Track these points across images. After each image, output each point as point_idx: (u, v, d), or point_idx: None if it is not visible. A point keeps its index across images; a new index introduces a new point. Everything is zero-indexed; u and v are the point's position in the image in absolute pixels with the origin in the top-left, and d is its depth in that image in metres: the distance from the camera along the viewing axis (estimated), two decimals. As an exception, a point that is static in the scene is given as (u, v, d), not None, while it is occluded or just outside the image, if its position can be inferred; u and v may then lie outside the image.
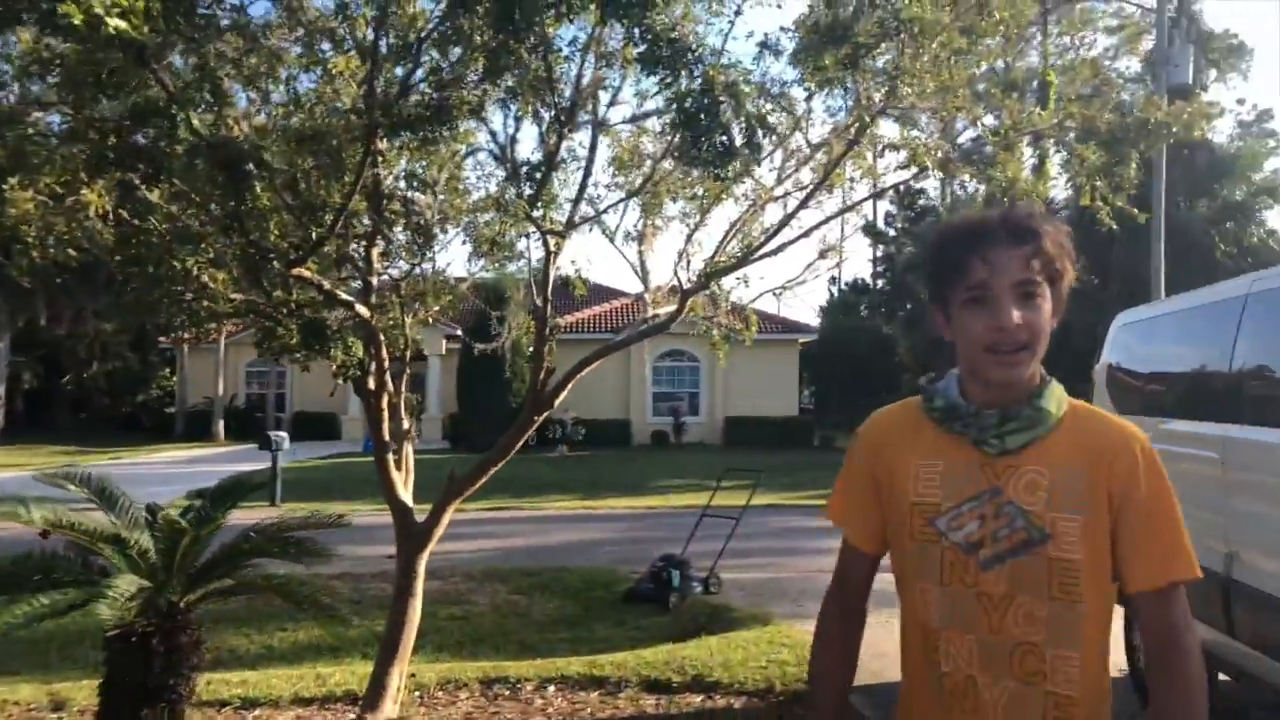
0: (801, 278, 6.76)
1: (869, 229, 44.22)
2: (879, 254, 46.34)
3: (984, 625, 1.71)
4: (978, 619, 1.72)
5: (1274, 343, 4.62)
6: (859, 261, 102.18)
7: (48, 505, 3.68)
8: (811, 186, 5.51)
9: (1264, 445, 4.47)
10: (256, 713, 5.55)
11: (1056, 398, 1.75)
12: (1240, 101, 46.67)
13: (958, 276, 1.69)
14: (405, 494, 5.63)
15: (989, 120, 5.89)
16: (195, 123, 3.34)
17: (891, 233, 42.75)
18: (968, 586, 1.72)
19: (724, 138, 3.41)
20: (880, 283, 46.53)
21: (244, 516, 4.16)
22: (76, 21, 2.63)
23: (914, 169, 5.16)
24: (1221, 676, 5.06)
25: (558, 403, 5.49)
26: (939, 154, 5.06)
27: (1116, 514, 1.67)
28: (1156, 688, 1.67)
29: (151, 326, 7.13)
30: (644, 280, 6.39)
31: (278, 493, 15.99)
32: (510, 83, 4.19)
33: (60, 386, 36.83)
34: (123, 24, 2.69)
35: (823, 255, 6.91)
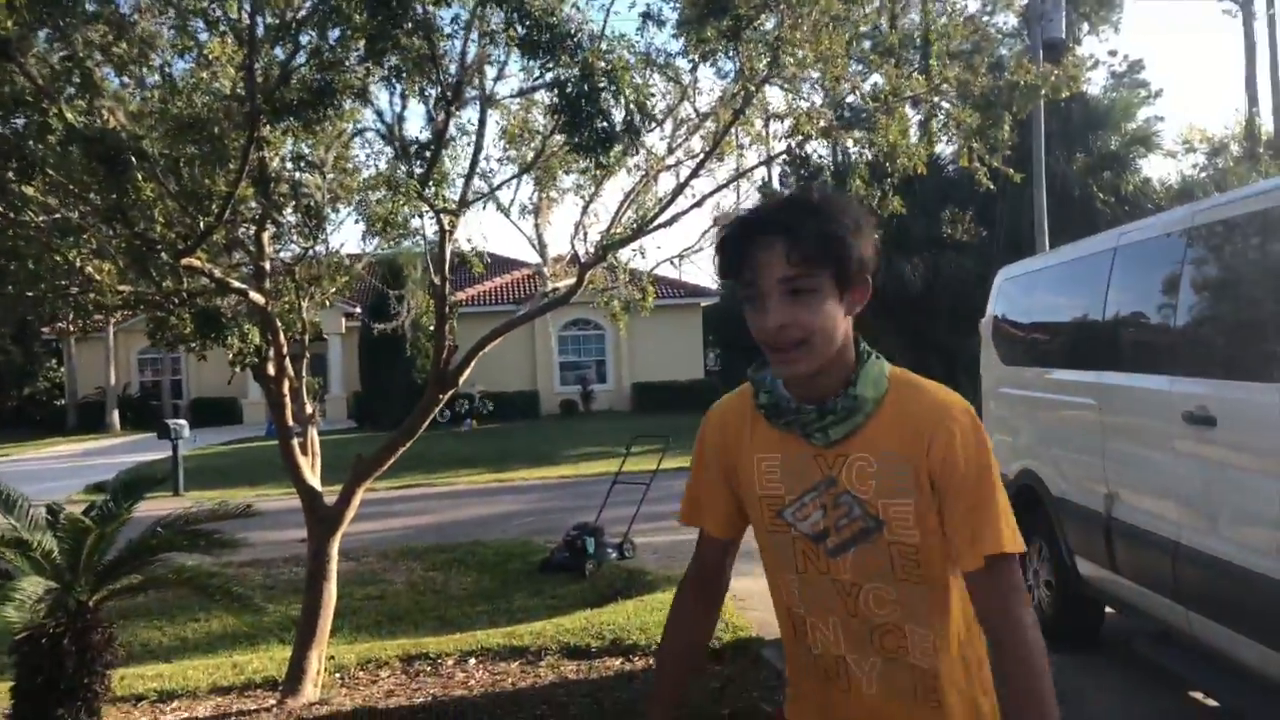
0: (698, 246, 6.88)
1: (764, 192, 44.71)
2: (777, 213, 46.89)
3: (843, 609, 1.75)
4: (836, 603, 1.75)
5: (1141, 293, 4.91)
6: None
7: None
8: (703, 155, 5.62)
9: (1135, 390, 4.76)
10: (175, 705, 5.50)
11: (873, 380, 1.69)
12: (1113, 53, 48.34)
13: (733, 275, 1.68)
14: (313, 478, 5.62)
15: (871, 84, 6.08)
16: (69, 115, 3.27)
17: (786, 194, 43.27)
18: (822, 574, 1.74)
19: (604, 124, 3.47)
20: (780, 241, 47.13)
21: (149, 508, 4.12)
22: (-65, 17, 2.56)
23: (799, 136, 5.31)
24: (1109, 610, 5.40)
25: (462, 379, 5.53)
26: (821, 122, 5.21)
27: (940, 495, 1.65)
28: (1000, 666, 1.65)
29: (34, 318, 6.93)
30: (542, 253, 6.44)
31: (180, 482, 15.62)
32: (394, 62, 4.17)
33: (-62, 385, 35.07)
34: (-14, 19, 2.63)
35: (716, 222, 7.04)
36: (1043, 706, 1.60)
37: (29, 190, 4.13)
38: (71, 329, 28.24)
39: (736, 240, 1.67)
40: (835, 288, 1.62)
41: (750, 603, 7.22)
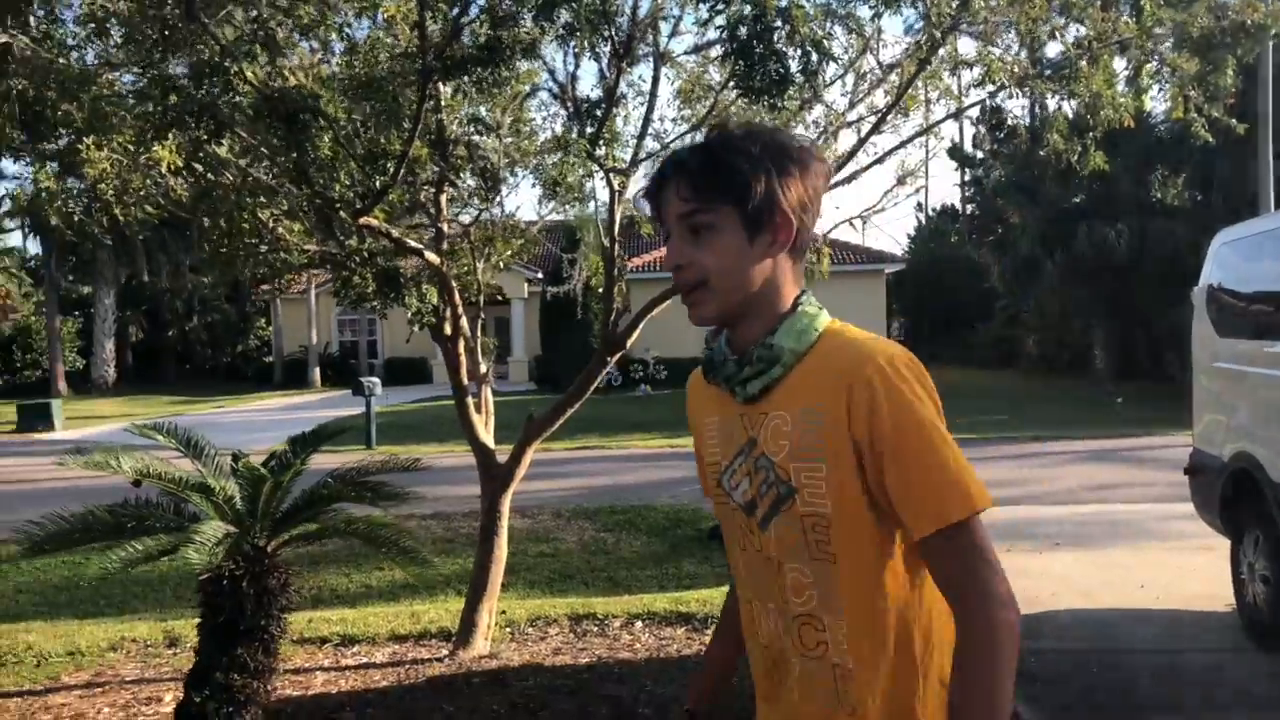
0: (880, 205, 6.63)
1: (954, 152, 42.88)
2: (967, 178, 44.97)
3: (777, 594, 1.55)
4: (771, 588, 1.55)
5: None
6: (946, 186, 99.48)
7: (140, 455, 3.83)
8: (883, 110, 5.33)
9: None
10: (355, 649, 5.75)
11: (797, 330, 1.51)
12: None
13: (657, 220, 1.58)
14: (486, 436, 5.72)
15: (1074, 30, 5.60)
16: (250, 75, 3.37)
17: (979, 155, 41.39)
18: (758, 550, 1.56)
19: (778, 66, 3.29)
20: (970, 208, 45.24)
21: (340, 460, 4.28)
22: (126, -22, 2.67)
23: (990, 86, 4.94)
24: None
25: (630, 342, 5.48)
26: (1016, 69, 4.82)
27: (872, 459, 1.42)
28: (958, 642, 1.41)
29: (244, 278, 7.36)
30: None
31: (373, 436, 16.44)
32: (566, 18, 4.11)
33: (165, 339, 38.28)
34: (171, -21, 2.72)
35: (901, 181, 6.71)
36: (989, 704, 1.34)
37: (223, 151, 4.31)
38: (276, 289, 30.11)
39: (654, 181, 1.56)
40: (741, 226, 1.48)
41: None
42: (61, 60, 4.34)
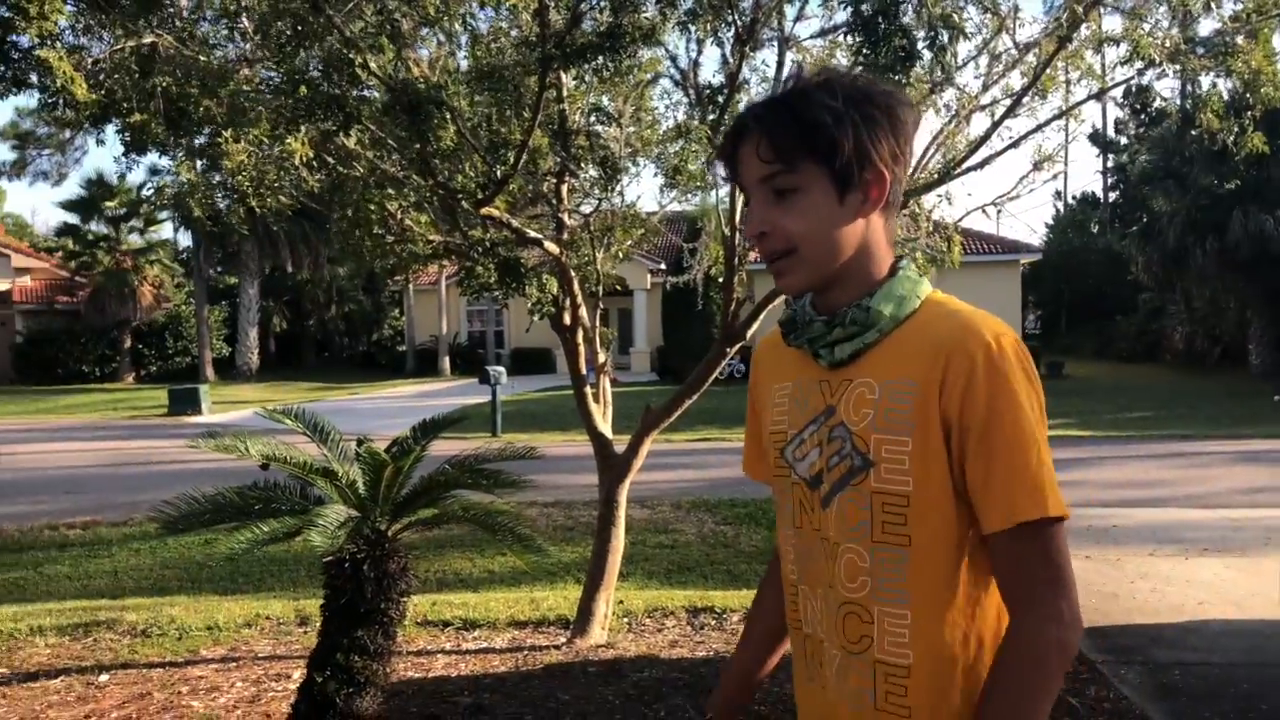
0: (1014, 192, 6.29)
1: (1095, 137, 41.07)
2: (1109, 164, 43.00)
3: (827, 577, 1.43)
4: (823, 570, 1.44)
5: None
6: (1086, 174, 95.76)
7: (271, 439, 3.95)
8: (1019, 92, 5.08)
9: None
10: (476, 633, 5.84)
11: (897, 296, 1.40)
12: None
13: (735, 181, 1.47)
14: (604, 425, 5.72)
15: (1231, 5, 5.23)
16: (373, 66, 3.42)
17: (1122, 140, 39.54)
18: (815, 530, 1.44)
19: (904, 41, 3.14)
20: (1112, 195, 43.26)
21: (465, 447, 4.34)
22: (255, -27, 2.73)
23: (1138, 64, 4.65)
24: None
25: (751, 333, 5.39)
26: (1167, 44, 4.52)
27: (958, 438, 1.32)
28: (1000, 651, 1.32)
29: (374, 269, 7.59)
30: (840, 203, 6.12)
31: (498, 424, 16.77)
32: (689, 3, 4.05)
33: (305, 328, 39.91)
34: (297, -28, 2.77)
35: (1038, 167, 6.39)
36: None
37: (351, 143, 4.40)
38: (406, 280, 31.02)
39: (729, 141, 1.43)
40: (830, 185, 1.35)
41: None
42: (203, 58, 4.51)
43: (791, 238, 1.37)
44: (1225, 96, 5.83)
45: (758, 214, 1.39)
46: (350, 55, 3.32)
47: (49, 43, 4.03)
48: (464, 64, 4.92)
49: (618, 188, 5.73)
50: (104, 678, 4.97)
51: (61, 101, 4.01)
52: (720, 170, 1.38)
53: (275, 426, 4.30)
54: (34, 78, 4.29)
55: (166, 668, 5.14)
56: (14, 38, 4.33)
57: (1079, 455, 13.71)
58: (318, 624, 4.77)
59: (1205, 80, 5.66)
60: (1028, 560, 1.29)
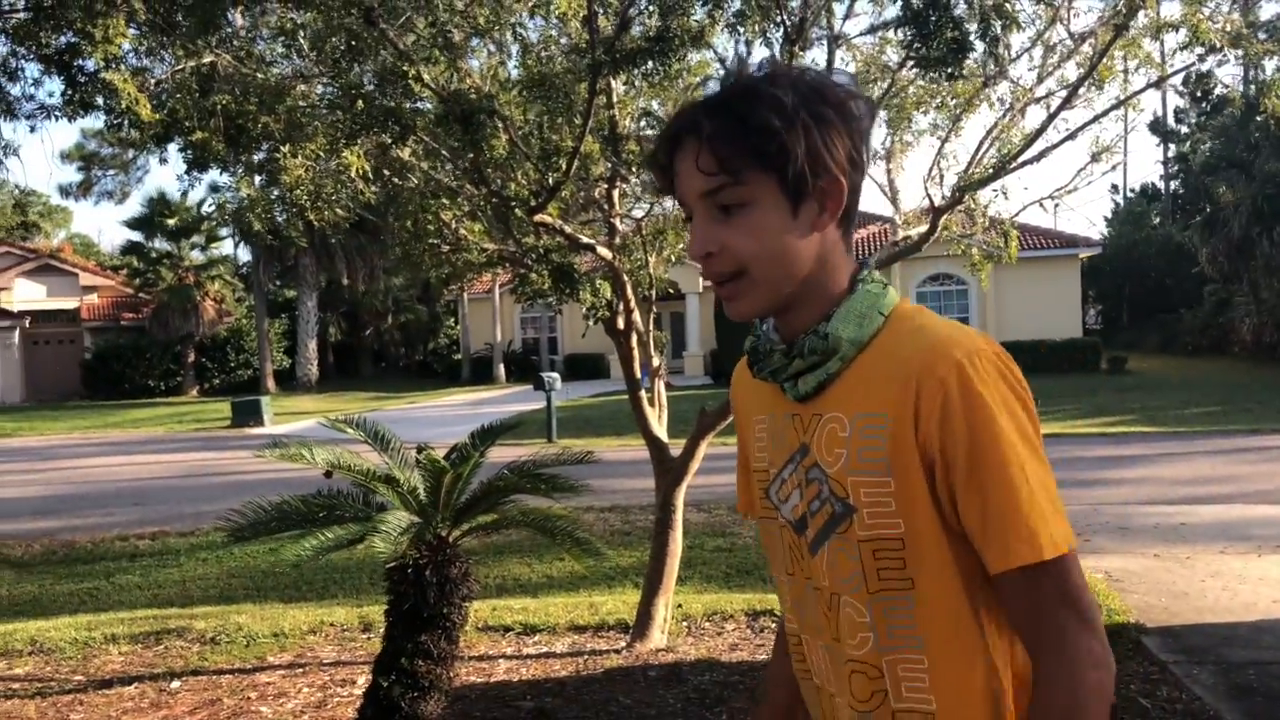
0: (1072, 185, 6.19)
1: (1155, 127, 40.20)
2: (1169, 154, 42.08)
3: (827, 630, 1.29)
4: (823, 622, 1.29)
5: None
6: (1146, 165, 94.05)
7: (333, 448, 4.02)
8: (1075, 83, 5.00)
9: None
10: (536, 638, 5.88)
11: (856, 315, 1.24)
12: None
13: (669, 193, 1.28)
14: (660, 429, 5.72)
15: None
16: (427, 78, 3.47)
17: (1183, 130, 38.67)
18: (807, 578, 1.30)
19: (955, 33, 3.10)
20: (1173, 185, 42.33)
21: (521, 453, 4.38)
22: (310, -10, 2.79)
23: (1198, 50, 4.55)
24: None
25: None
26: (1228, 29, 4.42)
27: (943, 476, 1.17)
28: (1033, 700, 1.19)
29: (430, 278, 7.68)
30: (894, 201, 6.09)
31: (553, 430, 16.85)
32: (737, 5, 4.05)
33: (362, 339, 40.50)
34: (350, -12, 2.83)
35: (1095, 159, 6.29)
36: None
37: (406, 155, 4.46)
38: (461, 289, 31.37)
39: (663, 149, 1.25)
40: (782, 197, 1.19)
41: (1129, 583, 6.53)
42: (260, 75, 4.61)
43: (741, 259, 1.21)
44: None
45: (701, 232, 1.22)
46: (404, 68, 3.37)
47: (114, 65, 4.14)
48: (514, 73, 4.97)
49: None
50: (175, 684, 5.08)
51: (127, 122, 4.12)
52: (652, 187, 1.22)
53: (336, 436, 4.37)
54: (100, 100, 4.41)
55: (235, 674, 5.24)
56: (80, 62, 4.47)
57: (1144, 452, 13.41)
58: (381, 630, 4.83)
59: (1269, 65, 5.52)
60: (1042, 601, 1.15)
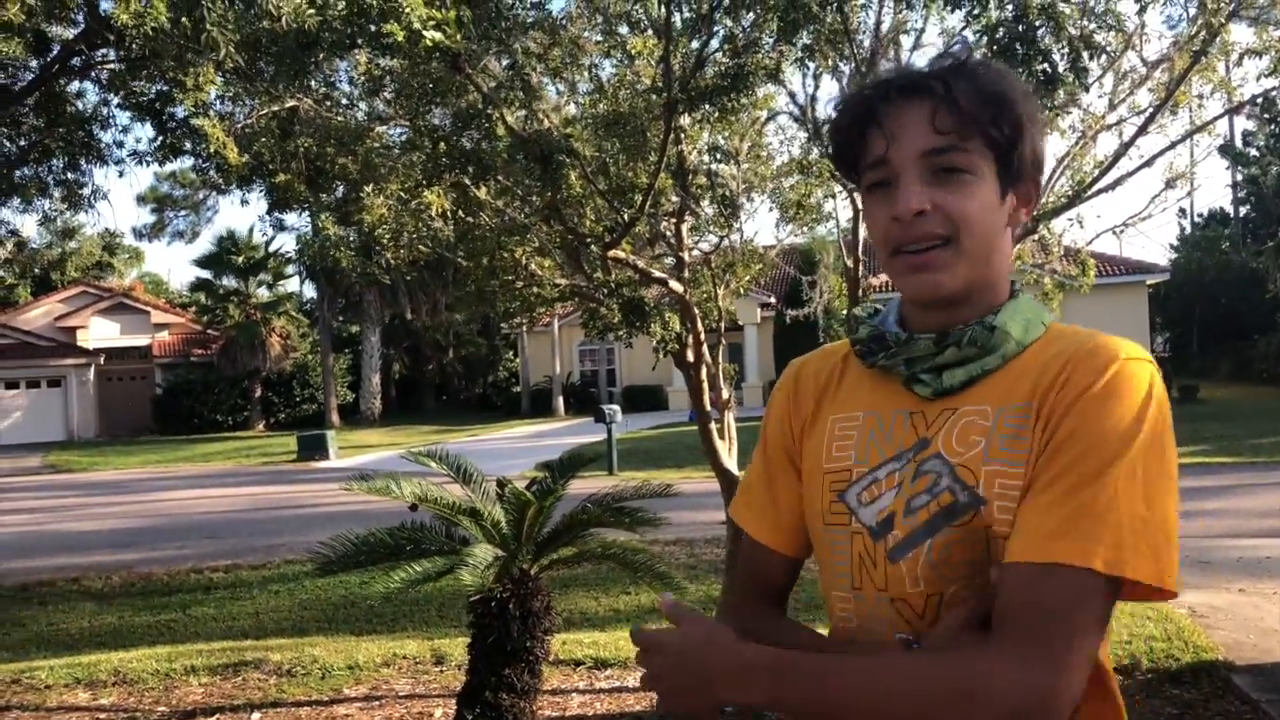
0: (1146, 212, 6.12)
1: (1226, 150, 39.40)
2: (1239, 178, 41.20)
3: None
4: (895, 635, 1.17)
5: None
6: (1214, 190, 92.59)
7: (415, 481, 4.08)
8: (1151, 109, 4.95)
9: None
10: (608, 672, 5.87)
11: (1023, 317, 1.18)
12: None
13: (855, 155, 1.21)
14: (730, 461, 5.72)
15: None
16: (509, 120, 3.55)
17: (1253, 153, 37.87)
18: (879, 591, 1.17)
19: (1044, 66, 3.09)
20: (1244, 210, 41.41)
21: (586, 486, 4.41)
22: (399, 38, 2.88)
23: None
24: None
25: (824, 348, 5.35)
26: (1309, 52, 4.35)
27: (1042, 442, 1.09)
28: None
29: (493, 315, 7.78)
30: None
31: (614, 462, 16.88)
32: (806, 40, 4.09)
33: (424, 373, 41.02)
34: (438, 35, 2.91)
35: (1170, 185, 6.21)
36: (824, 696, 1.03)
37: (482, 194, 4.56)
38: (523, 323, 31.76)
39: (868, 102, 1.18)
40: (995, 178, 1.15)
41: (1214, 619, 6.34)
42: (339, 118, 4.74)
43: (957, 222, 1.14)
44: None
45: (916, 190, 1.15)
46: (488, 110, 3.46)
47: (203, 112, 4.29)
48: (581, 110, 5.06)
49: (736, 224, 5.78)
50: (255, 716, 5.16)
51: (215, 165, 4.26)
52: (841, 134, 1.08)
53: (407, 468, 4.43)
54: (188, 144, 4.58)
55: (313, 705, 5.30)
56: (170, 109, 4.64)
57: (1221, 483, 13.04)
58: (454, 663, 4.87)
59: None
60: (1048, 598, 1.02)
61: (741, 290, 6.32)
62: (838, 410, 1.28)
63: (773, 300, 28.22)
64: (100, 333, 37.49)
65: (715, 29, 4.08)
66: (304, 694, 5.57)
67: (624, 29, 4.61)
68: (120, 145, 5.54)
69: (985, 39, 3.23)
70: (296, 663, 6.20)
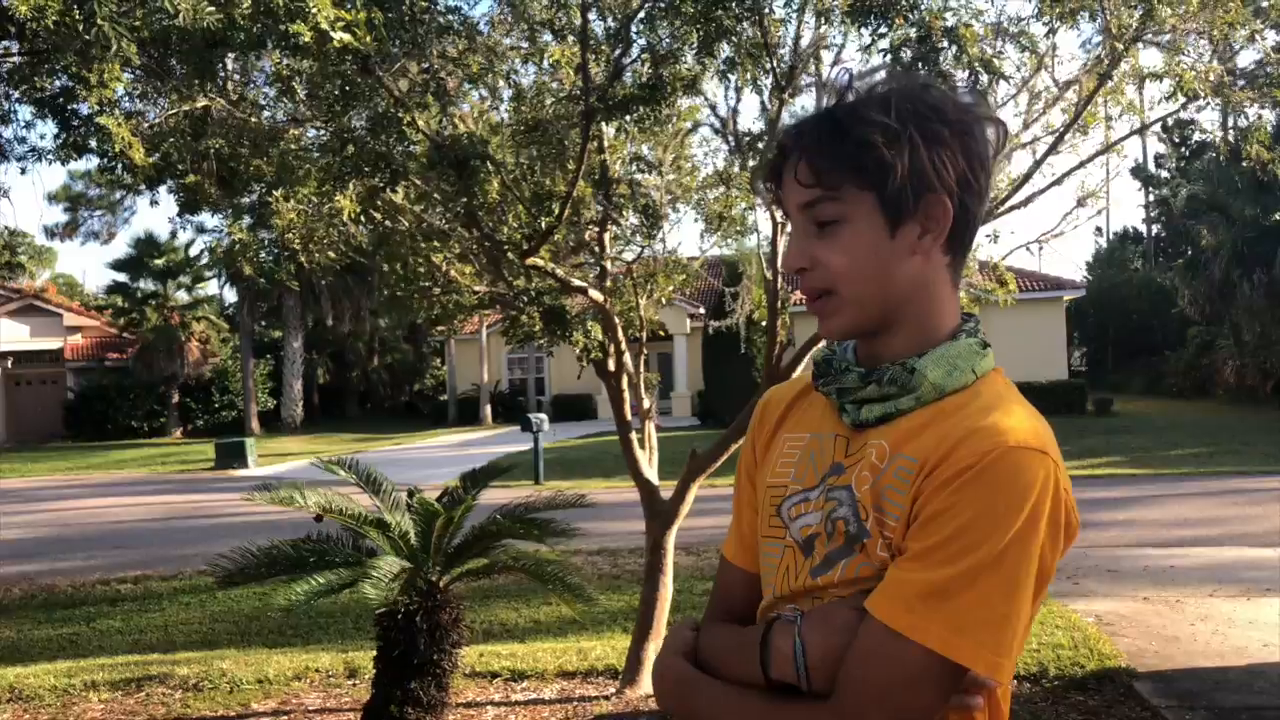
0: (1059, 229, 6.26)
1: (1137, 171, 40.76)
2: (1151, 199, 42.66)
3: None
4: None
5: None
6: (1128, 209, 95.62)
7: (322, 491, 3.99)
8: (1061, 129, 5.07)
9: None
10: (524, 684, 5.81)
11: (950, 361, 1.19)
12: None
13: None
14: (650, 471, 5.71)
15: (1273, 36, 5.20)
16: (421, 123, 3.49)
17: (1164, 174, 39.25)
18: (812, 600, 1.23)
19: (945, 86, 3.14)
20: (1155, 229, 42.89)
21: (509, 496, 4.35)
22: (307, 38, 2.82)
23: (1181, 99, 4.63)
24: None
25: (794, 376, 5.38)
26: (1211, 78, 4.50)
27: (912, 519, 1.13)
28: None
29: (418, 321, 7.70)
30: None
31: (540, 472, 16.77)
32: (727, 53, 4.10)
33: (349, 380, 40.35)
34: (347, 36, 2.85)
35: (1081, 203, 6.37)
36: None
37: (398, 198, 4.48)
38: (448, 330, 31.44)
39: (773, 161, 1.23)
40: (879, 215, 1.15)
41: (1119, 627, 6.51)
42: (253, 119, 4.63)
43: (830, 276, 1.18)
44: (1270, 127, 5.76)
45: (795, 247, 1.21)
46: (398, 114, 3.40)
47: (108, 109, 4.15)
48: (504, 117, 5.02)
49: (659, 234, 5.78)
50: (158, 732, 5.00)
51: (120, 165, 4.13)
52: (762, 197, 1.19)
53: (323, 478, 4.34)
54: (93, 143, 4.42)
55: (219, 721, 5.16)
56: (74, 105, 4.48)
57: (1132, 494, 13.43)
58: (367, 676, 4.76)
59: (1251, 111, 5.61)
60: (861, 643, 1.10)
61: (664, 300, 6.32)
62: (790, 430, 1.34)
63: (703, 311, 28.34)
64: (9, 335, 36.11)
65: (634, 39, 4.08)
66: (210, 709, 5.41)
67: (547, 36, 4.59)
68: (22, 141, 5.33)
69: (891, 58, 3.27)
70: (204, 676, 6.02)
